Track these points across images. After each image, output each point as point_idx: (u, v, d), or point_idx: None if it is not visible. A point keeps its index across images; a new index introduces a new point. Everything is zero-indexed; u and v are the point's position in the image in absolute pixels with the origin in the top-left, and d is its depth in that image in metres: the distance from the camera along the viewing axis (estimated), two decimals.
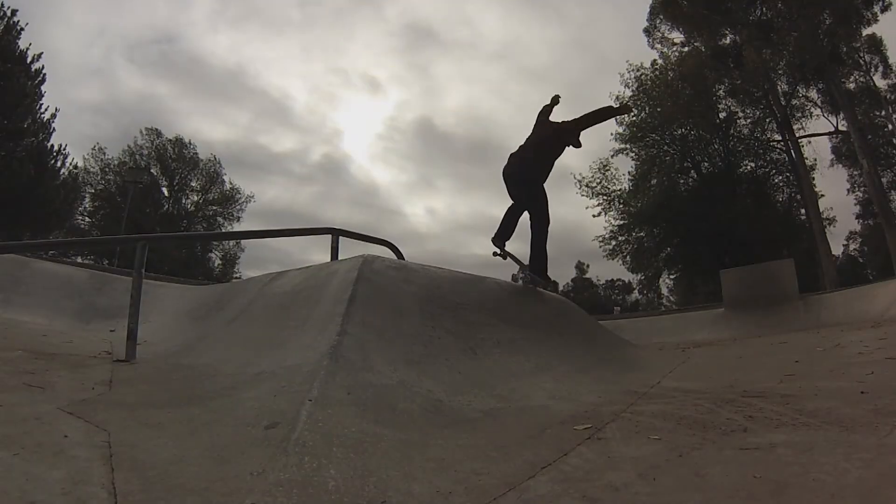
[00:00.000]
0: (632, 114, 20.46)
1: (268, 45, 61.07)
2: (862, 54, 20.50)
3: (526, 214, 4.55)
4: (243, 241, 29.27)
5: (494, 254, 4.72)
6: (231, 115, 56.82)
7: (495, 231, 4.68)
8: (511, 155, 4.67)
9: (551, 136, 4.62)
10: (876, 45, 20.55)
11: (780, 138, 21.23)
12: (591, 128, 4.68)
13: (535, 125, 4.90)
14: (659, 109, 21.13)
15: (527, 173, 4.53)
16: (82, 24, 45.72)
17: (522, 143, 4.74)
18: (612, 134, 21.97)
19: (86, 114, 43.64)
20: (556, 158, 4.67)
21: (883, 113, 21.24)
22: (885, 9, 18.27)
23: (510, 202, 4.65)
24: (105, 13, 49.26)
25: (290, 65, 67.33)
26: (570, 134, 4.59)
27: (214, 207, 30.51)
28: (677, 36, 22.21)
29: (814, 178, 20.47)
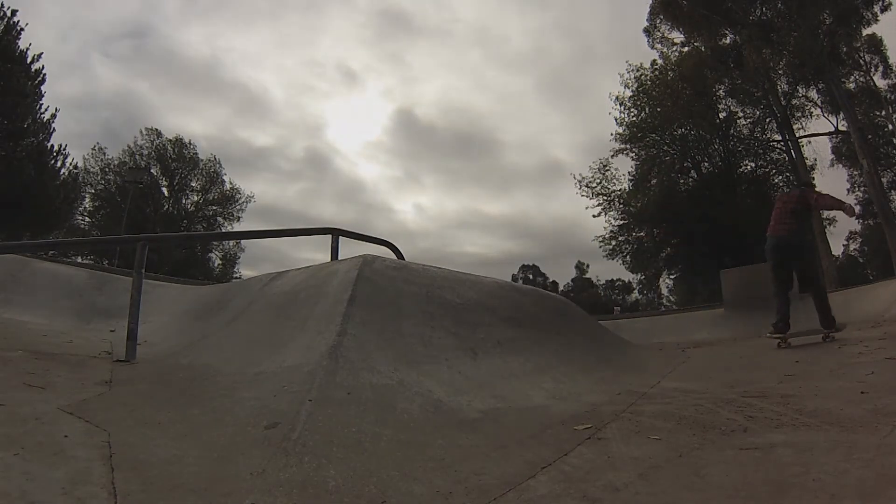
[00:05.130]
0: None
1: (241, 37, 60.67)
2: (862, 54, 20.51)
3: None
4: (243, 241, 29.30)
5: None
6: (209, 109, 56.42)
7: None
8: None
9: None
10: (876, 45, 20.57)
11: (780, 138, 21.24)
12: None
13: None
14: (659, 109, 21.13)
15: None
16: (56, 17, 45.45)
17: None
18: (612, 134, 22.00)
19: (65, 108, 43.75)
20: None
21: (883, 113, 21.26)
22: (885, 9, 18.27)
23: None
24: (76, 6, 48.95)
25: (265, 56, 66.68)
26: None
27: (214, 207, 30.52)
28: (677, 36, 22.22)
29: (814, 179, 20.48)
